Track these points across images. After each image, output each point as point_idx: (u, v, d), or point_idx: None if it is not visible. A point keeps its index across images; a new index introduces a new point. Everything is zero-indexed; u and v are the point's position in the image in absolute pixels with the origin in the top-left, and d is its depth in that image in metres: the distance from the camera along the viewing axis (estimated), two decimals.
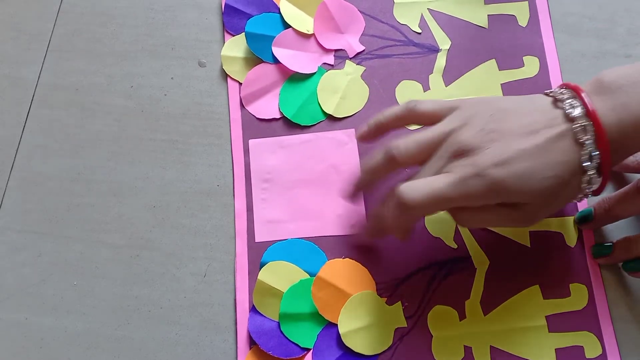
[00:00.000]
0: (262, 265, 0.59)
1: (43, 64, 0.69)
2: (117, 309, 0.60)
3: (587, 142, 0.47)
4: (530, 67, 0.66)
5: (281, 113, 0.65)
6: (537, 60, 0.66)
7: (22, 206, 0.64)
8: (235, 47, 0.68)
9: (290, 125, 0.65)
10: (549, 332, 0.57)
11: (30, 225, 0.63)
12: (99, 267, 0.61)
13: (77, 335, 0.59)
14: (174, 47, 0.69)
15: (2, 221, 0.63)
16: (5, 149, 0.66)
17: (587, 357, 0.56)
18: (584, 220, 0.59)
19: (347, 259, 0.59)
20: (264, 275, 0.58)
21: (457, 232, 0.60)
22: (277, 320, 0.58)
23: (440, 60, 0.66)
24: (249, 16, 0.68)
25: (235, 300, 0.59)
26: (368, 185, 0.58)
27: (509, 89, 0.65)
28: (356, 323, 0.57)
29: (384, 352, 0.57)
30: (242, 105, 0.66)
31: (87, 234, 0.62)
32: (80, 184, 0.64)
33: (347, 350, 0.56)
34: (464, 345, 0.57)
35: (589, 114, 0.47)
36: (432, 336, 0.57)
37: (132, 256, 0.61)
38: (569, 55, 0.66)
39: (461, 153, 0.49)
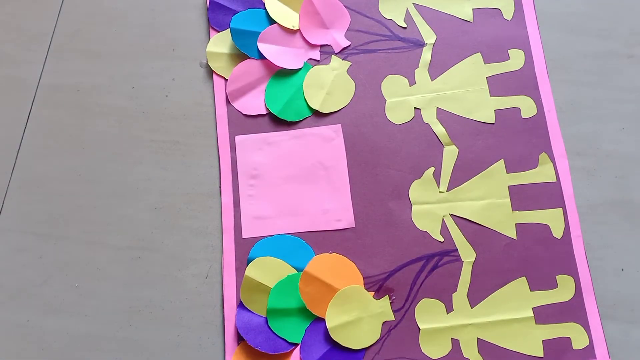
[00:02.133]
0: (249, 261, 0.59)
1: (44, 64, 0.68)
2: (118, 310, 0.60)
3: None
4: (515, 60, 0.66)
5: (267, 109, 0.65)
6: (523, 53, 0.66)
7: (24, 207, 0.63)
8: (220, 43, 0.67)
9: (276, 121, 0.65)
10: (536, 324, 0.57)
11: (31, 227, 0.62)
12: (100, 269, 0.61)
13: (79, 337, 0.59)
14: (175, 48, 0.69)
15: (3, 222, 0.63)
16: (6, 150, 0.65)
17: (574, 349, 0.57)
18: None
19: (335, 254, 0.59)
20: (251, 271, 0.58)
21: (443, 225, 0.60)
22: (265, 316, 0.57)
23: (426, 55, 0.66)
24: (234, 12, 0.68)
25: (222, 296, 0.59)
26: None
27: (494, 82, 0.65)
28: (344, 317, 0.57)
29: (371, 345, 0.57)
30: (227, 102, 0.65)
31: (88, 236, 0.62)
32: (82, 185, 0.64)
33: (335, 345, 0.57)
34: (452, 338, 0.57)
35: None
36: (419, 329, 0.57)
37: (134, 258, 0.61)
38: (572, 54, 0.66)
39: None
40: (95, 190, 0.64)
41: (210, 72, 0.67)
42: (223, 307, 0.59)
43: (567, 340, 0.57)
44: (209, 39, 0.68)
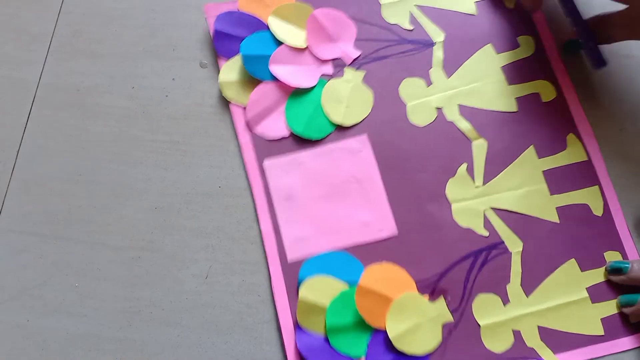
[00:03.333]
0: (299, 283, 0.59)
1: (44, 65, 0.68)
2: (118, 310, 0.60)
3: None
4: (526, 46, 0.66)
5: (290, 130, 0.65)
6: (532, 38, 0.66)
7: (24, 208, 0.63)
8: (231, 71, 0.67)
9: (301, 141, 0.65)
10: (592, 303, 0.58)
11: (31, 227, 0.62)
12: (100, 269, 0.61)
13: (78, 337, 0.59)
14: (175, 48, 0.69)
15: (3, 223, 0.63)
16: (6, 151, 0.65)
17: (631, 322, 0.57)
18: (616, 272, 0.58)
19: (385, 263, 0.59)
20: (304, 292, 0.58)
21: (486, 219, 0.60)
22: (325, 335, 0.57)
23: (438, 53, 0.67)
24: (240, 39, 0.68)
25: (278, 322, 0.59)
26: None
27: (510, 70, 0.65)
28: (404, 325, 0.57)
29: (436, 349, 0.57)
30: (249, 129, 0.65)
31: (88, 236, 0.62)
32: (82, 186, 0.64)
33: (400, 354, 0.57)
34: (513, 330, 0.57)
35: None
36: (479, 326, 0.58)
37: (134, 258, 0.61)
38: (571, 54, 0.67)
39: None
40: (95, 190, 0.63)
41: (210, 73, 0.67)
42: (281, 335, 0.59)
43: (624, 315, 0.57)
44: (209, 39, 0.68)
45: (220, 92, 0.66)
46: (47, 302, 0.60)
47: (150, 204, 0.63)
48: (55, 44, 0.69)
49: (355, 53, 0.67)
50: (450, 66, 0.66)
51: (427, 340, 0.57)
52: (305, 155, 0.64)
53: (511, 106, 0.64)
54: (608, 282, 0.58)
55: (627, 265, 0.57)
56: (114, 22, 0.70)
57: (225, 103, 0.66)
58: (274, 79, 0.66)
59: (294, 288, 0.60)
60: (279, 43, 0.67)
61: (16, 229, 0.62)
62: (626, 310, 0.57)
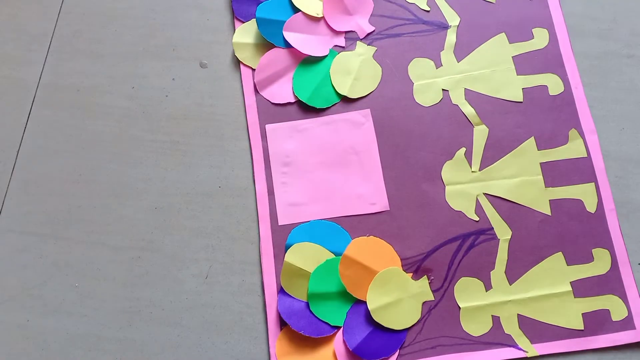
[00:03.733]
0: (287, 247, 0.60)
1: (44, 65, 0.69)
2: (118, 310, 0.60)
3: None
4: (539, 39, 0.66)
5: (296, 97, 0.65)
6: (547, 31, 0.66)
7: (24, 208, 0.64)
8: (246, 33, 0.68)
9: (305, 109, 0.65)
10: (575, 297, 0.58)
11: (31, 227, 0.63)
12: (100, 269, 0.61)
13: (78, 337, 0.59)
14: (175, 48, 0.69)
15: (3, 223, 0.63)
16: (6, 151, 0.66)
17: (613, 320, 0.57)
18: None
19: (372, 236, 0.60)
20: (290, 256, 0.59)
21: (478, 204, 0.61)
22: (306, 301, 0.58)
23: (451, 37, 0.67)
24: (258, 2, 0.68)
25: (262, 283, 0.60)
26: None
27: (520, 61, 0.65)
28: (384, 299, 0.58)
29: (413, 326, 0.58)
30: (256, 91, 0.66)
31: (88, 236, 0.62)
32: (82, 186, 0.64)
33: (377, 326, 0.57)
34: (492, 315, 0.58)
35: None
36: (459, 308, 0.58)
37: (134, 258, 0.62)
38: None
39: None
40: (95, 190, 0.64)
41: (210, 73, 0.67)
42: (264, 294, 0.59)
43: (606, 313, 0.58)
44: (209, 39, 0.69)
45: (221, 91, 0.67)
46: (47, 302, 0.61)
47: (150, 204, 0.63)
48: (55, 44, 0.70)
49: (370, 28, 0.68)
50: (462, 50, 0.66)
51: (406, 316, 0.58)
52: (308, 123, 0.65)
53: (517, 96, 0.64)
54: (592, 278, 0.58)
55: None
56: (114, 22, 0.70)
57: (225, 102, 0.66)
58: (286, 45, 0.67)
59: (281, 252, 0.60)
60: (296, 10, 0.68)
61: (16, 229, 0.63)
62: None
